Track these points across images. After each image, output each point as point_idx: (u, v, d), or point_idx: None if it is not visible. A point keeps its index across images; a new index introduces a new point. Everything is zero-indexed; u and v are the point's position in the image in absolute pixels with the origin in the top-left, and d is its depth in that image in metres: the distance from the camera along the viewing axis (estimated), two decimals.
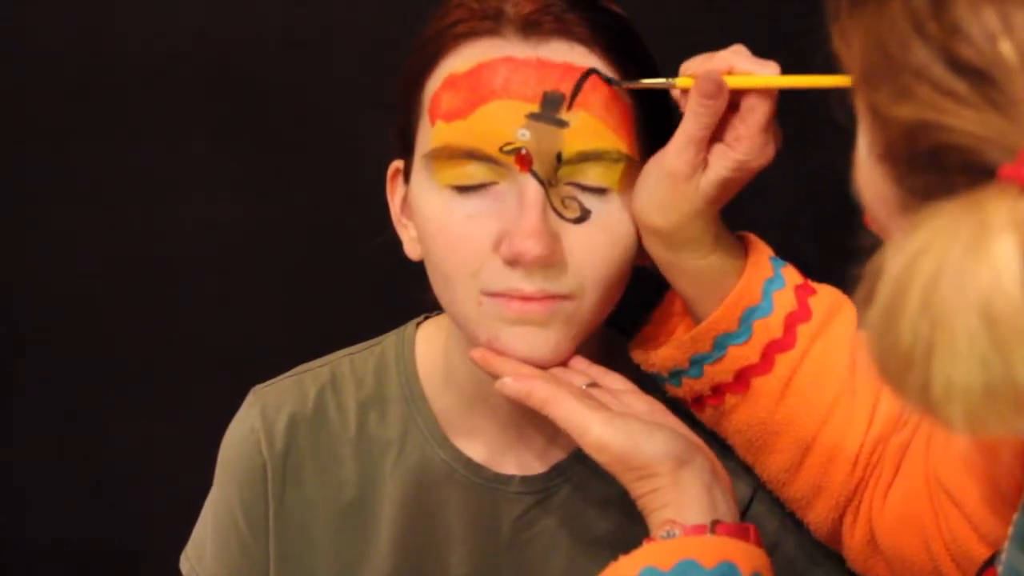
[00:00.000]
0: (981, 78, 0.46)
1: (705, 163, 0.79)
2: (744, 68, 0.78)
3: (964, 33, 0.47)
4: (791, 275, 0.87)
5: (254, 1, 1.14)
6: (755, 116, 0.78)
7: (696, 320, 0.86)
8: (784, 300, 0.85)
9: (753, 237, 0.88)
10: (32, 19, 1.17)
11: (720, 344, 0.84)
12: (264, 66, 1.15)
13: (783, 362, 0.84)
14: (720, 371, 0.85)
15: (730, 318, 0.84)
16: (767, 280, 0.85)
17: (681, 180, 0.79)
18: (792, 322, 0.85)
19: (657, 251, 0.84)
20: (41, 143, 1.19)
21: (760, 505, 0.91)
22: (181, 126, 1.17)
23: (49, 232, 1.21)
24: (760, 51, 1.06)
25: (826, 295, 0.87)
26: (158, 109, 1.17)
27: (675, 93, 0.82)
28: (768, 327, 0.84)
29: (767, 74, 0.78)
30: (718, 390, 0.86)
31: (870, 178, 0.54)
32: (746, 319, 0.84)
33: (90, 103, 1.17)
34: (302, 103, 1.15)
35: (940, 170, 0.48)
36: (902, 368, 0.47)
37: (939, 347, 0.46)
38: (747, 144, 0.78)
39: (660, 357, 0.87)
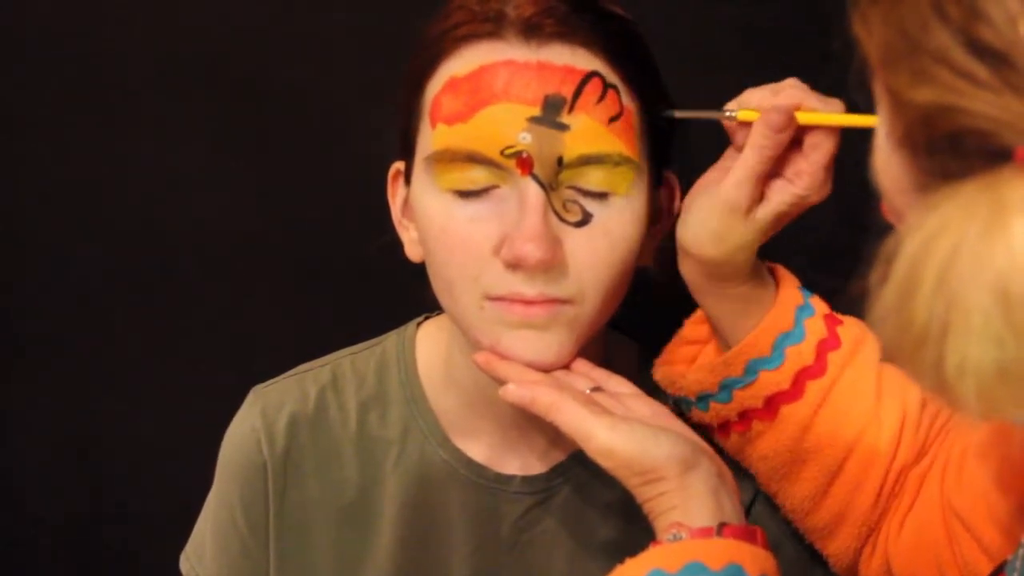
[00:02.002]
0: (1001, 61, 0.46)
1: (762, 196, 0.80)
2: (811, 105, 0.78)
3: (985, 16, 0.47)
4: (819, 305, 0.87)
5: (255, 1, 1.14)
6: (819, 153, 0.79)
7: (724, 346, 0.87)
8: (815, 328, 0.85)
9: (781, 267, 0.88)
10: (32, 19, 1.17)
11: (752, 369, 0.84)
12: (265, 66, 1.15)
13: (813, 389, 0.84)
14: (750, 396, 0.85)
15: (763, 343, 0.84)
16: (798, 307, 0.85)
17: (738, 213, 0.79)
18: (823, 350, 0.85)
19: (696, 278, 0.84)
20: (41, 143, 1.19)
21: (762, 507, 0.91)
22: (182, 126, 1.17)
23: (49, 232, 1.21)
24: (764, 50, 1.06)
25: (852, 325, 0.87)
26: (159, 109, 1.17)
27: (729, 124, 0.82)
28: (800, 353, 0.84)
29: (833, 112, 0.78)
30: (745, 416, 0.86)
31: (888, 164, 0.54)
32: (779, 345, 0.84)
33: (90, 103, 1.17)
34: (303, 103, 1.15)
35: (958, 154, 0.48)
36: (916, 346, 0.47)
37: (954, 325, 0.46)
38: (808, 180, 0.79)
39: (689, 380, 0.87)
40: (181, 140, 1.17)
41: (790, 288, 0.86)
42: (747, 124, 0.80)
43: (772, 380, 0.84)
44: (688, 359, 0.90)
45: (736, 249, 0.81)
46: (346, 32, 1.13)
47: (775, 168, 0.80)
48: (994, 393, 0.46)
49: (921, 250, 0.47)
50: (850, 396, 0.85)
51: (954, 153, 0.48)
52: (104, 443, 1.25)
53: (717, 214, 0.80)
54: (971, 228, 0.45)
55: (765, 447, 0.86)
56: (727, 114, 0.81)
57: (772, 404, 0.85)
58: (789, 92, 0.79)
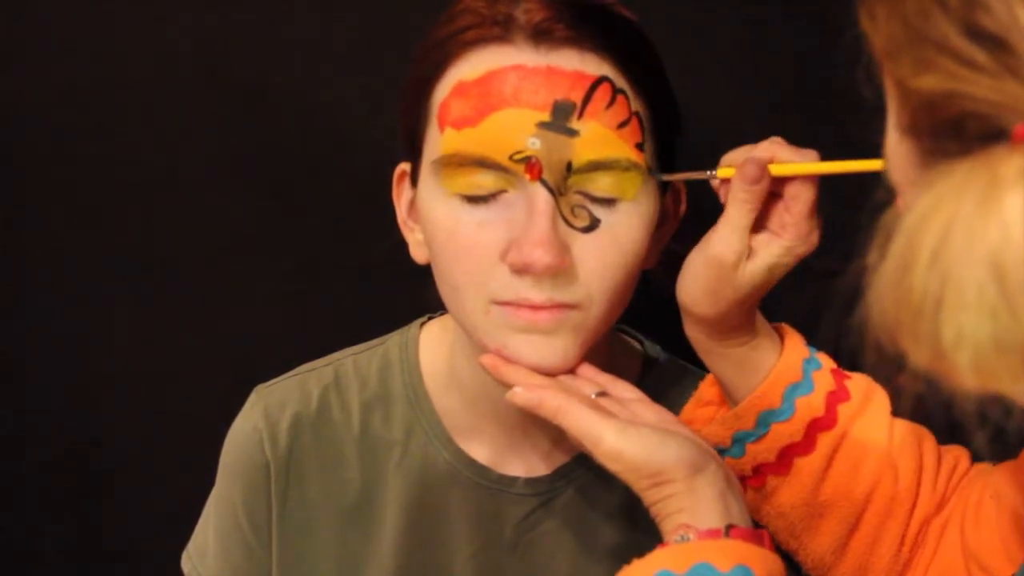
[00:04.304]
0: (999, 45, 0.46)
1: (750, 251, 0.80)
2: (785, 157, 0.80)
3: (983, 3, 0.47)
4: (825, 359, 0.87)
5: (259, 2, 1.14)
6: (799, 203, 0.80)
7: (733, 405, 0.87)
8: (823, 380, 0.85)
9: (786, 325, 0.89)
10: (33, 19, 1.16)
11: (763, 421, 0.84)
12: (268, 66, 1.15)
13: (825, 441, 0.85)
14: (763, 450, 0.85)
15: (773, 394, 0.84)
16: (805, 360, 0.86)
17: (728, 267, 0.80)
18: (833, 401, 0.85)
19: (699, 338, 0.85)
20: (42, 143, 1.19)
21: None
22: (184, 127, 1.17)
23: (50, 232, 1.21)
24: (769, 53, 1.06)
25: (860, 379, 0.87)
26: (161, 110, 1.16)
27: (714, 184, 0.83)
28: (810, 405, 0.84)
29: (807, 161, 0.79)
30: (759, 471, 0.86)
31: (895, 152, 0.55)
32: (789, 396, 0.84)
33: (91, 104, 1.17)
34: (306, 103, 1.15)
35: (961, 138, 0.48)
36: (913, 319, 0.48)
37: (948, 299, 0.46)
38: (793, 231, 0.80)
39: (703, 435, 0.86)
40: (183, 141, 1.17)
41: (796, 342, 0.87)
42: (728, 181, 0.81)
43: (784, 432, 0.84)
44: (706, 420, 0.90)
45: (731, 305, 0.81)
46: (349, 33, 1.13)
47: (761, 222, 0.81)
48: (990, 365, 0.47)
49: (917, 225, 0.47)
50: (862, 448, 0.85)
51: (957, 138, 0.49)
52: (104, 443, 1.25)
53: (707, 270, 0.81)
54: (965, 203, 0.46)
55: (781, 502, 0.86)
56: (708, 174, 0.83)
57: (785, 457, 0.85)
58: (764, 146, 0.81)
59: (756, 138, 1.07)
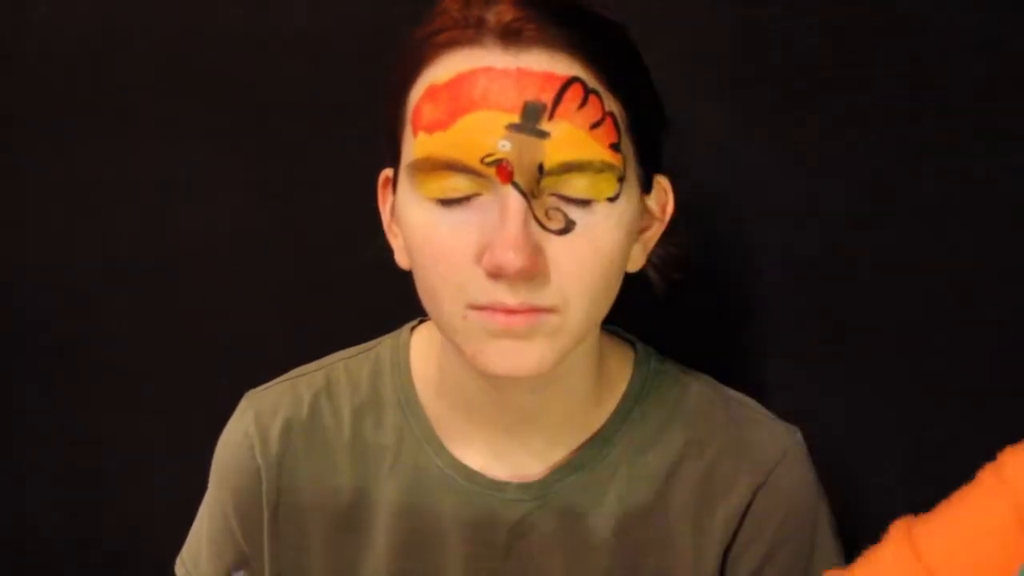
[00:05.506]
0: None
1: None
2: None
3: None
4: None
5: (257, 2, 1.14)
6: None
7: None
8: None
9: None
10: (33, 19, 1.17)
11: None
12: (267, 68, 1.15)
13: None
14: None
15: None
16: None
17: None
18: None
19: None
20: (42, 143, 1.20)
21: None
22: (182, 127, 1.17)
23: (49, 232, 1.22)
24: (769, 53, 1.04)
25: None
26: (158, 111, 1.16)
27: None
28: None
29: None
30: None
31: None
32: None
33: (91, 103, 1.18)
34: (303, 105, 1.15)
35: None
36: None
37: None
38: None
39: None
40: (181, 142, 1.17)
41: None
42: None
43: None
44: None
45: None
46: (347, 35, 1.13)
47: None
48: None
49: None
50: None
51: None
52: (103, 445, 1.25)
53: None
54: None
55: None
56: None
57: None
58: None
59: (755, 137, 1.06)
